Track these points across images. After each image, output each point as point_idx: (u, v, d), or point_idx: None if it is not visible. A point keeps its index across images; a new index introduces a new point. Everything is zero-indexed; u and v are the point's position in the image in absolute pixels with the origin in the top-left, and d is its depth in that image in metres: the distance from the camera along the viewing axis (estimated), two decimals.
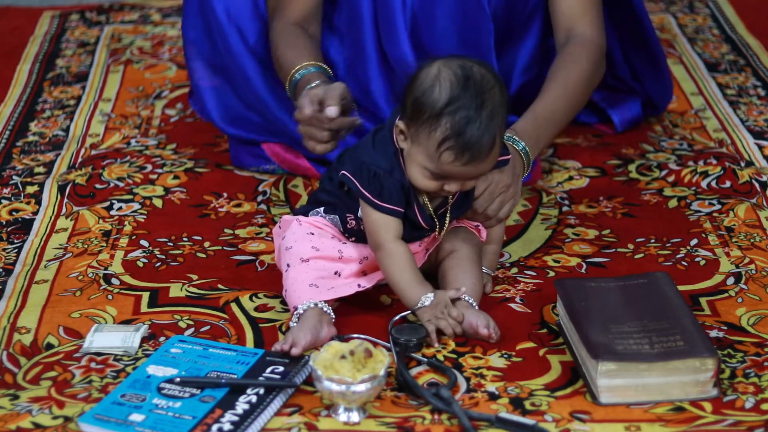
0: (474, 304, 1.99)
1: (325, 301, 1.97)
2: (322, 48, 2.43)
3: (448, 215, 2.03)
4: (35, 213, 2.41)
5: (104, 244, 2.29)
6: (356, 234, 2.05)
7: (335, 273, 2.01)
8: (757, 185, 2.48)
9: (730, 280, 2.15)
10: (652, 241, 2.29)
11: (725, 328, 2.00)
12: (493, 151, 1.90)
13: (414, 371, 1.89)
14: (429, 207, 2.00)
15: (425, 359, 1.92)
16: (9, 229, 2.35)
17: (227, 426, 1.73)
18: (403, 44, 2.40)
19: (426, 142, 1.89)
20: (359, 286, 2.02)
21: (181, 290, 2.14)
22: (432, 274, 2.09)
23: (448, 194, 1.97)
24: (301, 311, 1.96)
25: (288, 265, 2.02)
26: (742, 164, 2.57)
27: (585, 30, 2.36)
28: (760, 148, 2.64)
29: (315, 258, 2.01)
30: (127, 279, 2.17)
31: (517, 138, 2.17)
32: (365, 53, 2.47)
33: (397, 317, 1.99)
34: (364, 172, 1.96)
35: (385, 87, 2.48)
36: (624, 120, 2.73)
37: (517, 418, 1.77)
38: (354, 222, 2.04)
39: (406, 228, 2.00)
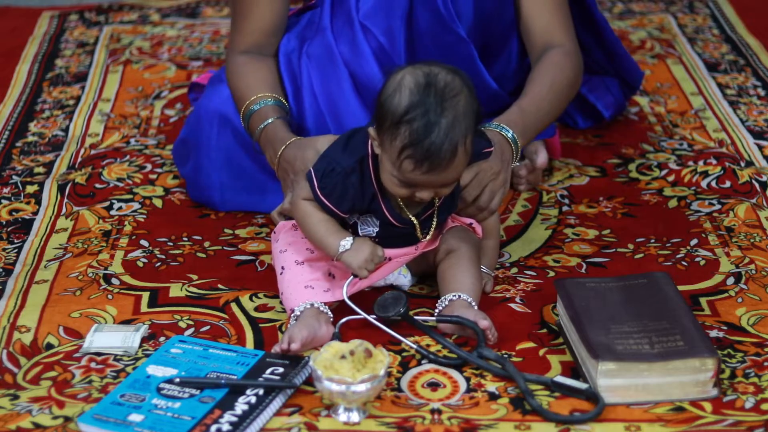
0: (473, 304, 1.99)
1: (322, 301, 1.97)
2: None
3: (435, 218, 2.01)
4: (35, 213, 2.40)
5: (104, 244, 2.29)
6: None
7: (330, 275, 2.01)
8: (757, 185, 2.48)
9: (730, 280, 2.15)
10: (652, 241, 2.29)
11: (725, 328, 2.00)
12: (456, 159, 1.85)
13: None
14: (406, 212, 1.98)
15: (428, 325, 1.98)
16: (9, 229, 2.35)
17: (226, 426, 1.73)
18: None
19: (389, 149, 1.86)
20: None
21: (181, 290, 2.14)
22: (431, 274, 2.09)
23: (422, 201, 1.94)
24: (298, 312, 1.96)
25: (282, 268, 2.02)
26: (742, 164, 2.57)
27: (564, 42, 2.32)
28: (760, 148, 2.64)
29: (310, 260, 2.01)
30: (127, 279, 2.17)
31: (505, 126, 2.15)
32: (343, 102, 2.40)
33: (347, 299, 1.98)
34: (322, 164, 1.96)
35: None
36: (607, 104, 2.71)
37: (571, 382, 1.82)
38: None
39: (392, 235, 1.99)
